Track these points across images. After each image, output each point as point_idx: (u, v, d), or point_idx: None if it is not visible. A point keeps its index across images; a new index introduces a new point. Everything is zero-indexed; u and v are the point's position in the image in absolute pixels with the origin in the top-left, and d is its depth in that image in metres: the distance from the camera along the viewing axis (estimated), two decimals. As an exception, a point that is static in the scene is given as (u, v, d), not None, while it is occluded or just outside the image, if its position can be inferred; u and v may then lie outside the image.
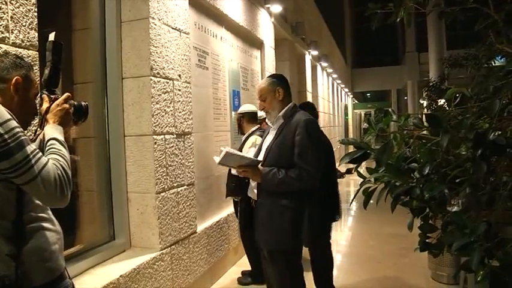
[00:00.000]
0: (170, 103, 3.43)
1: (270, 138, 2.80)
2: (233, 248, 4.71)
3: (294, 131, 2.63)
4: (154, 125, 3.20)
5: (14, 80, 1.48)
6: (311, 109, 3.91)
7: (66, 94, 1.64)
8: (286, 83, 2.88)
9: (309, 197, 2.68)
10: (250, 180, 2.88)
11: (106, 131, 3.20)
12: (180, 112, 3.58)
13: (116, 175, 3.23)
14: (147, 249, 3.19)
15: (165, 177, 3.31)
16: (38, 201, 1.48)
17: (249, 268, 4.29)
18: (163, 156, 3.30)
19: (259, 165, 2.70)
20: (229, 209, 4.64)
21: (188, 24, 3.79)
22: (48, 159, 1.40)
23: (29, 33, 2.20)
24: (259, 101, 2.85)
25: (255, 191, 2.80)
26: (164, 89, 3.35)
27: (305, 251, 3.27)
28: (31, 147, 1.36)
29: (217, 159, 2.72)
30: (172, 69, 3.48)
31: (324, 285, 3.65)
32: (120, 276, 2.73)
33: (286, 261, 2.70)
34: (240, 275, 4.31)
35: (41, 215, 1.52)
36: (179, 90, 3.57)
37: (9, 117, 1.34)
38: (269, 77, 2.92)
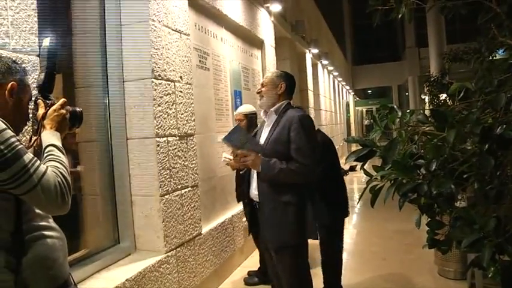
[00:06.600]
0: (172, 105, 3.42)
1: (265, 134, 2.83)
2: (239, 248, 4.70)
3: (288, 127, 2.67)
4: (156, 127, 3.19)
5: (9, 85, 1.44)
6: None
7: (63, 100, 1.61)
8: (292, 82, 2.93)
9: (309, 191, 2.75)
10: (251, 181, 2.86)
11: (108, 134, 3.20)
12: (182, 114, 3.57)
13: (119, 178, 3.22)
14: (152, 252, 3.18)
15: (168, 179, 3.30)
16: (38, 210, 1.45)
17: (255, 268, 4.28)
18: (166, 159, 3.29)
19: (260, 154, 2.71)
20: (233, 210, 4.63)
21: (188, 25, 3.78)
22: (47, 166, 1.37)
23: (29, 38, 2.19)
24: (260, 86, 2.91)
25: (256, 192, 2.79)
26: (166, 91, 3.34)
27: (315, 250, 3.28)
28: (28, 155, 1.33)
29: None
30: (174, 70, 3.47)
31: (333, 285, 3.64)
32: (126, 280, 2.72)
33: (294, 257, 2.71)
34: (247, 276, 4.30)
35: (41, 223, 1.48)
36: (181, 91, 3.56)
37: (4, 126, 1.31)
38: (280, 70, 2.99)
